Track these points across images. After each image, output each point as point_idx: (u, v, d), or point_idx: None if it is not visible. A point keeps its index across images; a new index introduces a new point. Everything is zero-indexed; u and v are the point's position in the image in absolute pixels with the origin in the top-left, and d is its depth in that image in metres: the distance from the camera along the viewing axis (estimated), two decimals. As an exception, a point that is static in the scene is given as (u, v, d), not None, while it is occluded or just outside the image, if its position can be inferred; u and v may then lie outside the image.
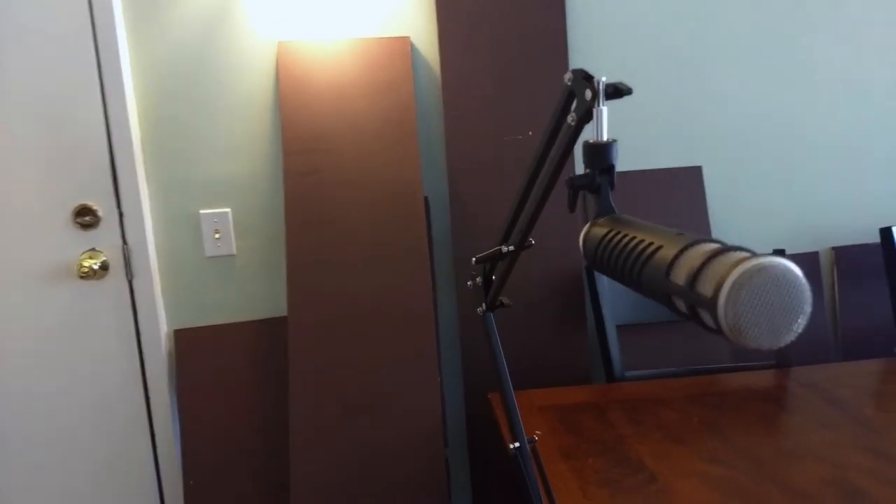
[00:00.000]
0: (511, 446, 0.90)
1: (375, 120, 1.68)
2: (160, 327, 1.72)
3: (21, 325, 1.68)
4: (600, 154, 0.64)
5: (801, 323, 0.45)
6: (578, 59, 1.81)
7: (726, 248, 0.49)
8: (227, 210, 1.75)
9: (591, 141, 0.65)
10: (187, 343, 1.74)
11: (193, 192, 1.74)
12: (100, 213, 1.66)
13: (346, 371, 1.63)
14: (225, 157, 1.73)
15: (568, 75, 0.67)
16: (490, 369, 1.76)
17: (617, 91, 0.61)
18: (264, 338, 1.77)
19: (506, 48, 1.74)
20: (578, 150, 1.79)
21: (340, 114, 1.68)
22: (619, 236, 0.59)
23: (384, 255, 1.66)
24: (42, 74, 1.59)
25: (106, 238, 1.67)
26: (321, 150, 1.67)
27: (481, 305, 0.92)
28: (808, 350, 1.91)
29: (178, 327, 1.76)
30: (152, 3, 1.65)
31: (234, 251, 1.77)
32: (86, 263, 1.64)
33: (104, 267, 1.68)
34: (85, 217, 1.65)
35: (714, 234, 1.92)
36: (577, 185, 0.65)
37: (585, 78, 0.64)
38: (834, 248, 1.93)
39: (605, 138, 0.64)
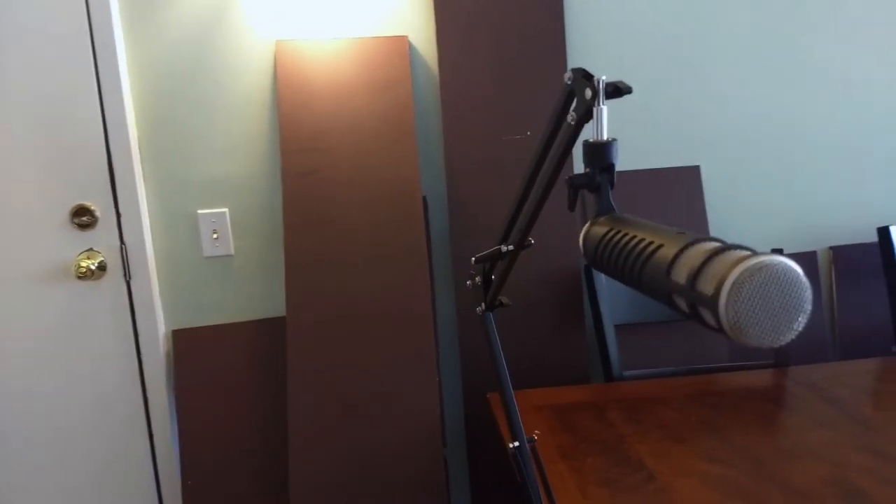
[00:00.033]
0: (510, 446, 0.90)
1: (373, 119, 1.68)
2: (158, 327, 1.72)
3: (19, 326, 1.67)
4: (600, 153, 0.64)
5: (801, 321, 0.45)
6: (577, 58, 1.81)
7: (727, 247, 0.49)
8: (225, 210, 1.75)
9: (591, 140, 0.65)
10: (185, 343, 1.74)
11: (191, 192, 1.73)
12: (97, 214, 1.66)
13: (345, 371, 1.63)
14: (223, 156, 1.73)
15: (568, 74, 0.67)
16: (489, 369, 1.76)
17: (617, 90, 0.61)
18: (262, 338, 1.77)
19: (504, 47, 1.74)
20: (577, 150, 1.80)
21: (338, 113, 1.68)
22: (620, 235, 0.59)
23: (383, 254, 1.66)
24: (39, 74, 1.59)
25: (103, 238, 1.67)
26: (319, 149, 1.67)
27: (480, 305, 0.92)
28: (806, 349, 1.92)
29: (176, 327, 1.76)
30: (150, 2, 1.65)
31: (232, 251, 1.77)
32: (83, 264, 1.63)
33: (102, 267, 1.67)
34: (82, 217, 1.65)
35: (712, 234, 1.92)
36: (577, 184, 0.65)
37: (585, 77, 0.64)
38: (832, 248, 1.94)
39: (605, 137, 0.64)
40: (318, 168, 1.66)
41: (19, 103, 1.59)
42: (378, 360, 1.63)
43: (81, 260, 1.64)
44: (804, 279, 0.45)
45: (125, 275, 1.69)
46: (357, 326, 1.64)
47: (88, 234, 1.66)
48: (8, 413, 1.70)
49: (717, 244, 0.50)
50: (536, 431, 1.33)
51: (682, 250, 0.51)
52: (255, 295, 1.79)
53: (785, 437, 1.27)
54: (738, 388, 1.49)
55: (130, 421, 1.74)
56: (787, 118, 1.90)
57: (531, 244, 0.84)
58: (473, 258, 0.90)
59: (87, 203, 1.65)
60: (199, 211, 1.74)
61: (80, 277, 1.64)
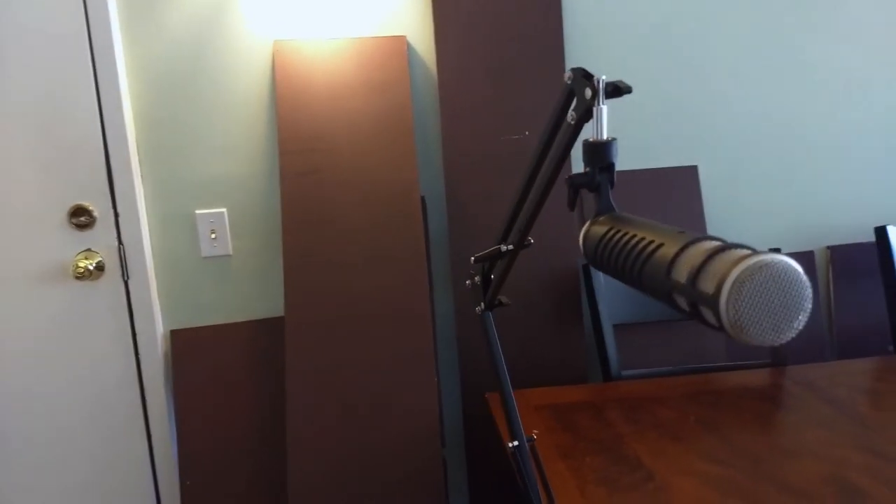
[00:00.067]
0: (510, 445, 0.90)
1: (372, 119, 1.68)
2: (156, 328, 1.72)
3: (16, 326, 1.67)
4: (600, 152, 0.64)
5: (801, 320, 0.45)
6: (575, 58, 1.81)
7: (727, 246, 0.49)
8: (223, 210, 1.75)
9: (591, 139, 0.65)
10: (183, 343, 1.74)
11: (189, 192, 1.73)
12: (95, 214, 1.65)
13: (344, 371, 1.63)
14: (221, 156, 1.73)
15: (568, 74, 0.67)
16: (487, 369, 1.76)
17: (617, 90, 0.62)
18: (260, 338, 1.77)
19: (502, 47, 1.74)
20: (576, 150, 1.80)
21: (337, 113, 1.68)
22: (620, 234, 0.59)
23: (381, 254, 1.66)
24: (37, 74, 1.58)
25: (101, 238, 1.67)
26: (318, 149, 1.67)
27: (480, 304, 0.92)
28: (803, 348, 1.92)
29: (174, 328, 1.75)
30: (147, 2, 1.65)
31: (231, 251, 1.77)
32: (81, 264, 1.63)
33: (100, 267, 1.67)
34: (80, 217, 1.64)
35: (710, 234, 1.92)
36: (577, 184, 0.65)
37: (585, 76, 0.64)
38: (829, 248, 1.94)
39: (605, 137, 0.64)
40: (317, 168, 1.66)
41: (17, 103, 1.59)
42: (377, 361, 1.63)
43: (79, 260, 1.64)
44: (804, 278, 0.45)
45: (123, 275, 1.69)
46: (356, 326, 1.64)
47: (86, 234, 1.66)
48: (6, 413, 1.70)
49: (718, 243, 0.50)
50: (535, 431, 1.33)
51: (682, 249, 0.51)
52: (253, 295, 1.79)
53: (783, 436, 1.27)
54: (735, 387, 1.49)
55: (128, 421, 1.74)
56: (784, 118, 1.90)
57: (531, 244, 0.84)
58: (473, 258, 0.90)
59: (85, 203, 1.65)
60: (198, 211, 1.74)
61: (78, 278, 1.64)
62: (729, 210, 1.92)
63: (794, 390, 1.45)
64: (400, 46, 1.71)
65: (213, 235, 1.75)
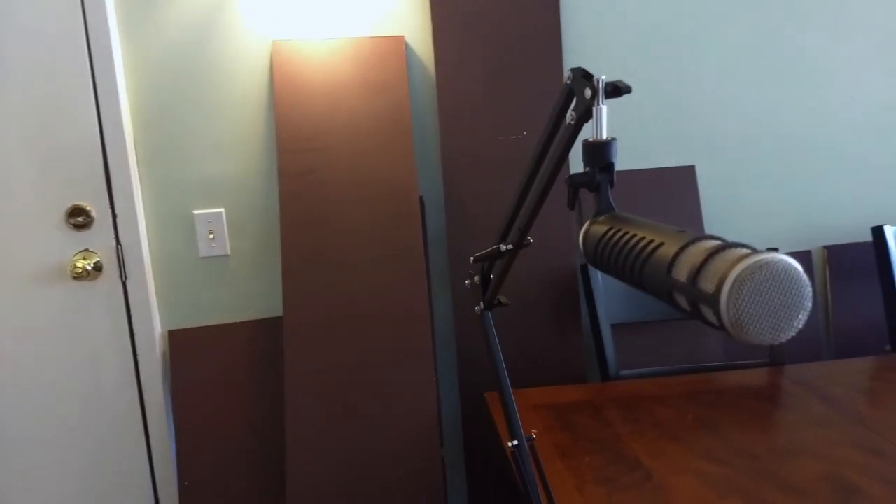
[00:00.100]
0: (509, 444, 0.90)
1: (370, 119, 1.68)
2: (154, 328, 1.72)
3: (14, 327, 1.67)
4: (600, 152, 0.65)
5: (801, 318, 0.46)
6: (573, 58, 1.81)
7: (727, 245, 0.49)
8: (221, 210, 1.75)
9: (591, 139, 0.65)
10: (181, 344, 1.74)
11: (187, 192, 1.73)
12: (93, 214, 1.65)
13: (342, 371, 1.63)
14: (219, 156, 1.73)
15: (567, 74, 0.67)
16: (486, 369, 1.76)
17: (616, 90, 0.62)
18: (258, 338, 1.77)
19: (501, 47, 1.74)
20: (575, 150, 1.80)
21: (335, 113, 1.68)
22: (620, 234, 0.59)
23: (380, 254, 1.66)
24: (35, 74, 1.58)
25: (99, 239, 1.66)
26: (316, 149, 1.67)
27: (479, 304, 0.92)
28: (800, 348, 1.93)
29: (172, 328, 1.75)
30: (145, 2, 1.65)
31: (229, 251, 1.77)
32: (79, 264, 1.63)
33: (98, 268, 1.67)
34: (78, 217, 1.64)
35: (708, 233, 1.92)
36: (577, 183, 0.65)
37: (585, 76, 0.64)
38: (826, 247, 1.95)
39: (604, 136, 0.64)
40: (315, 168, 1.66)
41: (15, 103, 1.59)
42: (376, 360, 1.63)
43: (77, 260, 1.64)
44: (804, 277, 0.45)
45: (121, 275, 1.68)
46: (354, 326, 1.64)
47: (84, 234, 1.66)
48: (4, 413, 1.69)
49: (718, 242, 0.50)
50: (534, 430, 1.34)
51: (682, 248, 0.51)
52: (252, 295, 1.79)
53: (780, 435, 1.27)
54: (733, 386, 1.49)
55: (126, 421, 1.74)
56: (782, 118, 1.91)
57: (530, 243, 0.84)
58: (472, 257, 0.90)
59: (83, 203, 1.64)
60: (196, 211, 1.74)
61: (75, 278, 1.63)
62: (726, 210, 1.93)
63: (792, 390, 1.46)
64: (398, 46, 1.71)
65: (211, 235, 1.75)
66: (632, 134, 1.87)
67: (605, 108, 0.63)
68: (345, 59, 1.69)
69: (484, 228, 1.76)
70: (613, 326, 1.77)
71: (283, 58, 1.68)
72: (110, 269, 1.68)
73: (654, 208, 1.86)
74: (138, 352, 1.72)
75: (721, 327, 0.46)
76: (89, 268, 1.64)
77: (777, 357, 1.66)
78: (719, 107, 1.88)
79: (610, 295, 1.74)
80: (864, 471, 1.13)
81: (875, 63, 1.92)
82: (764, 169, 1.92)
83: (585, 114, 0.65)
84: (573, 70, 0.66)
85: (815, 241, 1.97)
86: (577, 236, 1.87)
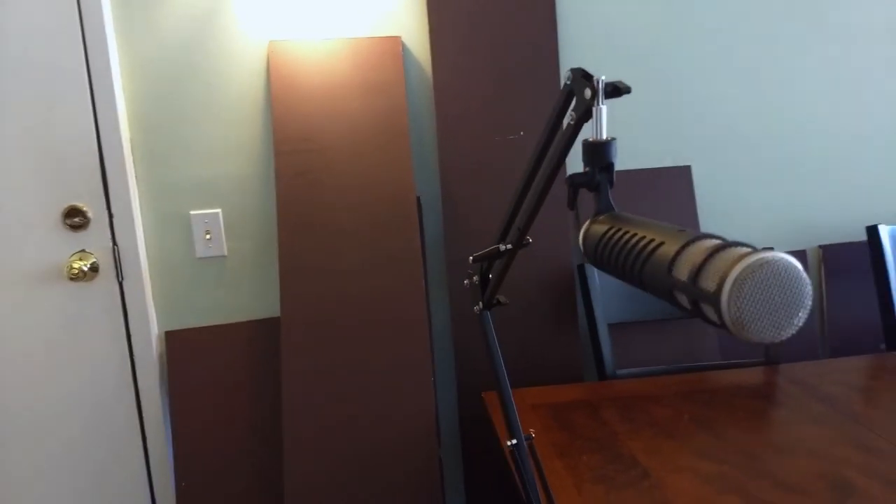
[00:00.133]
0: (508, 443, 0.90)
1: (367, 120, 1.68)
2: (151, 329, 1.71)
3: (10, 328, 1.66)
4: (600, 152, 0.65)
5: (801, 316, 0.46)
6: (569, 58, 1.82)
7: (728, 244, 0.50)
8: (218, 211, 1.75)
9: (591, 139, 0.66)
10: (178, 344, 1.73)
11: (184, 192, 1.73)
12: (89, 215, 1.65)
13: (340, 372, 1.63)
14: (215, 157, 1.73)
15: (567, 74, 0.67)
16: (483, 370, 1.77)
17: (616, 90, 0.62)
18: (256, 339, 1.77)
19: (497, 48, 1.75)
20: (573, 151, 1.80)
21: (332, 114, 1.68)
22: (620, 233, 0.60)
23: (377, 256, 1.66)
24: (31, 75, 1.58)
25: (96, 239, 1.66)
26: (312, 150, 1.67)
27: (478, 304, 0.93)
28: (796, 347, 1.94)
29: (168, 329, 1.75)
30: (142, 2, 1.64)
31: (225, 252, 1.76)
32: (75, 265, 1.63)
33: (94, 268, 1.67)
34: (74, 218, 1.64)
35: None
36: (577, 183, 0.66)
37: (585, 77, 0.65)
38: (821, 247, 1.96)
39: (604, 136, 0.65)
40: (312, 169, 1.66)
41: (10, 104, 1.58)
42: (373, 362, 1.64)
43: (74, 261, 1.63)
44: (804, 275, 0.46)
45: (118, 276, 1.68)
46: (352, 328, 1.64)
47: (81, 235, 1.65)
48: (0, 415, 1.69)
49: (718, 241, 0.51)
50: (532, 430, 1.34)
51: (683, 247, 0.52)
52: (248, 296, 1.79)
53: (776, 433, 1.28)
54: (729, 385, 1.50)
55: (123, 423, 1.73)
56: (777, 118, 1.92)
57: (529, 243, 0.85)
58: (471, 257, 0.90)
59: (80, 204, 1.64)
60: (192, 212, 1.74)
61: (72, 279, 1.63)
62: (722, 210, 1.94)
63: (788, 388, 1.46)
64: (395, 47, 1.71)
65: (207, 236, 1.74)
66: (627, 134, 1.88)
67: (604, 109, 0.63)
68: (341, 60, 1.69)
69: (481, 229, 1.76)
70: (610, 326, 1.78)
71: (280, 58, 1.68)
72: (107, 269, 1.68)
73: (650, 208, 1.87)
74: (135, 353, 1.71)
75: (722, 325, 0.47)
76: (86, 269, 1.64)
77: (773, 356, 1.67)
78: (715, 107, 1.89)
79: (607, 295, 1.75)
80: (861, 469, 1.14)
81: (870, 63, 1.93)
82: (759, 169, 1.93)
83: (585, 114, 0.65)
84: (573, 70, 0.66)
85: (811, 241, 1.98)
86: (575, 237, 1.88)
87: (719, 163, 1.91)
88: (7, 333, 1.66)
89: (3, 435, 1.70)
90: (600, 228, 0.63)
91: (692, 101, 1.88)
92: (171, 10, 1.66)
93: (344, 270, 1.65)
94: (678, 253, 0.52)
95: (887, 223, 1.95)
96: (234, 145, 1.73)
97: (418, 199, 1.78)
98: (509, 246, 0.83)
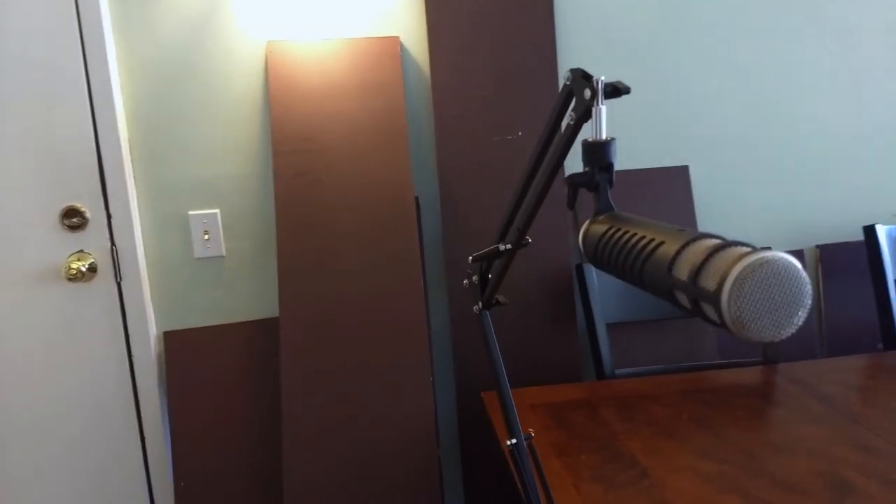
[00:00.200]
0: (508, 443, 0.91)
1: (365, 120, 1.68)
2: (149, 329, 1.71)
3: (8, 328, 1.66)
4: (599, 152, 0.65)
5: (801, 316, 0.46)
6: (566, 58, 1.82)
7: (728, 244, 0.50)
8: (216, 211, 1.74)
9: (591, 139, 0.66)
10: (177, 345, 1.73)
11: (182, 193, 1.73)
12: (88, 215, 1.65)
13: (339, 373, 1.63)
14: (214, 157, 1.73)
15: (567, 75, 0.67)
16: (482, 369, 1.77)
17: (616, 90, 0.62)
18: (254, 339, 1.77)
19: (495, 48, 1.75)
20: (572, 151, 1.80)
21: (330, 114, 1.68)
22: (620, 233, 0.60)
23: (376, 256, 1.66)
24: (29, 75, 1.58)
25: (94, 240, 1.66)
26: (311, 150, 1.67)
27: (477, 304, 0.93)
28: (794, 346, 1.94)
29: (167, 329, 1.75)
30: (139, 3, 1.64)
31: (224, 252, 1.76)
32: (74, 265, 1.62)
33: (92, 269, 1.66)
34: (73, 219, 1.64)
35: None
36: (576, 183, 0.66)
37: (584, 77, 0.65)
38: (819, 246, 1.96)
39: (604, 137, 0.65)
40: (310, 169, 1.67)
41: (9, 104, 1.58)
42: (372, 362, 1.64)
43: (72, 262, 1.63)
44: (804, 275, 0.46)
45: (116, 276, 1.68)
46: (351, 328, 1.64)
47: (79, 235, 1.65)
48: (-3, 416, 1.69)
49: (718, 241, 0.51)
50: (531, 430, 1.34)
51: (683, 247, 0.52)
52: (247, 296, 1.79)
53: (775, 432, 1.28)
54: (727, 384, 1.50)
55: (122, 423, 1.73)
56: (775, 118, 1.92)
57: (528, 243, 0.85)
58: (471, 257, 0.90)
59: (78, 204, 1.64)
60: (191, 212, 1.73)
61: (70, 279, 1.63)
62: (720, 209, 1.94)
63: (786, 387, 1.47)
64: (393, 47, 1.71)
65: (206, 237, 1.74)
66: (625, 134, 1.88)
67: (604, 109, 0.64)
68: (339, 60, 1.69)
69: (480, 229, 1.76)
70: (609, 326, 1.78)
71: (278, 58, 1.68)
72: (105, 270, 1.67)
73: (648, 208, 1.87)
74: (133, 353, 1.71)
75: (722, 325, 0.47)
76: (84, 269, 1.64)
77: (771, 355, 1.67)
78: (712, 107, 1.89)
79: (605, 294, 1.75)
80: (859, 467, 1.14)
81: (867, 63, 1.93)
82: (757, 169, 1.94)
83: (585, 114, 0.65)
84: (572, 71, 0.67)
85: (808, 241, 1.98)
86: (573, 236, 1.88)
87: (717, 163, 1.92)
88: (5, 334, 1.66)
89: (2, 435, 1.69)
90: (600, 228, 0.64)
91: (689, 101, 1.88)
92: (170, 10, 1.65)
93: (343, 270, 1.65)
94: (678, 252, 0.52)
95: (884, 223, 1.96)
96: (232, 145, 1.73)
97: (416, 199, 1.78)
98: (509, 246, 0.83)
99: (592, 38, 1.82)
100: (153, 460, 1.75)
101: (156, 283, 1.75)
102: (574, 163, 1.80)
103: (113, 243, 1.67)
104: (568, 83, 0.68)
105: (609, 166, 0.66)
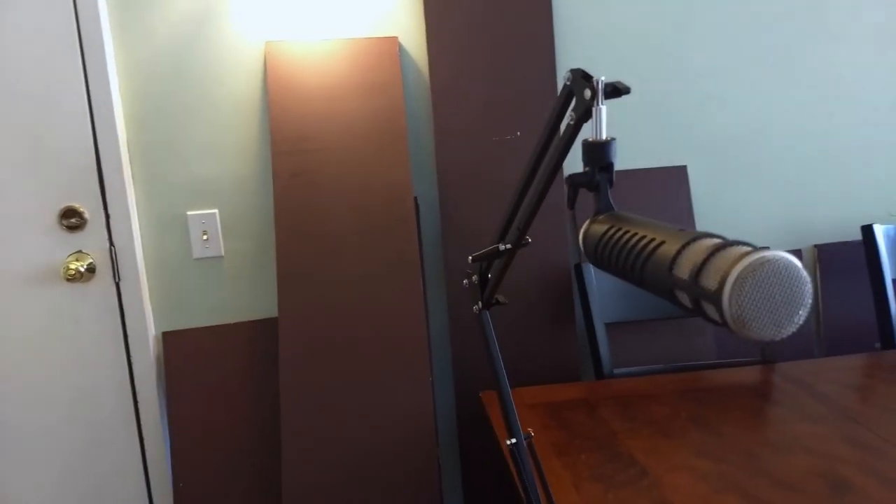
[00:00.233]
0: (508, 442, 0.91)
1: (364, 121, 1.69)
2: (148, 330, 1.71)
3: (6, 329, 1.66)
4: (600, 152, 0.65)
5: (802, 314, 0.46)
6: (565, 58, 1.82)
7: (728, 243, 0.50)
8: (215, 211, 1.74)
9: (591, 139, 0.66)
10: (175, 345, 1.73)
11: (181, 193, 1.73)
12: (86, 215, 1.65)
13: (338, 374, 1.63)
14: (212, 158, 1.73)
15: (567, 75, 0.68)
16: (481, 370, 1.77)
17: (616, 90, 0.63)
18: (253, 339, 1.77)
19: (494, 48, 1.75)
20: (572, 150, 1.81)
21: (329, 114, 1.68)
22: (621, 232, 0.60)
23: (375, 256, 1.66)
24: (27, 75, 1.57)
25: (92, 240, 1.66)
26: (310, 150, 1.67)
27: (477, 303, 0.93)
28: (792, 346, 1.94)
29: (166, 329, 1.75)
30: (138, 3, 1.64)
31: (222, 252, 1.76)
32: (72, 266, 1.62)
33: (91, 269, 1.66)
34: (71, 219, 1.64)
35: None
36: (576, 183, 0.66)
37: (584, 77, 0.65)
38: (817, 246, 1.97)
39: (604, 136, 0.65)
40: (309, 169, 1.67)
41: (7, 104, 1.58)
42: (371, 363, 1.64)
43: (70, 262, 1.63)
44: (804, 274, 0.46)
45: (114, 277, 1.68)
46: (350, 328, 1.64)
47: (77, 235, 1.65)
48: (-4, 417, 1.69)
49: (719, 240, 0.51)
50: (530, 429, 1.34)
51: (684, 246, 0.52)
52: (246, 296, 1.79)
53: (773, 431, 1.29)
54: (726, 384, 1.51)
55: (120, 423, 1.73)
56: (772, 118, 1.93)
57: (528, 243, 0.85)
58: (471, 257, 0.90)
59: (76, 205, 1.64)
60: (189, 212, 1.73)
61: (68, 280, 1.63)
62: (718, 210, 1.94)
63: (784, 387, 1.47)
64: (391, 47, 1.71)
65: (204, 237, 1.74)
66: (623, 134, 1.88)
67: (604, 109, 0.64)
68: (338, 60, 1.69)
69: (479, 229, 1.76)
70: (607, 325, 1.78)
71: (277, 59, 1.68)
72: (103, 270, 1.67)
73: (646, 208, 1.87)
74: (132, 354, 1.71)
75: (723, 324, 0.47)
76: (82, 269, 1.64)
77: (769, 355, 1.67)
78: (710, 107, 1.90)
79: (604, 294, 1.75)
80: (857, 466, 1.15)
81: (864, 62, 1.94)
82: (755, 169, 1.94)
83: (585, 114, 0.66)
84: (573, 71, 0.67)
85: (806, 240, 1.99)
86: (572, 236, 1.88)
87: (715, 163, 1.92)
88: (3, 334, 1.66)
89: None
90: (600, 228, 0.64)
91: (688, 101, 1.89)
92: (168, 11, 1.65)
93: (342, 271, 1.65)
94: (679, 252, 0.52)
95: (882, 223, 1.97)
96: (231, 146, 1.73)
97: (415, 199, 1.78)
98: (508, 245, 0.83)
99: (591, 38, 1.83)
100: (152, 460, 1.75)
101: (154, 283, 1.75)
102: (574, 163, 1.80)
103: (111, 243, 1.67)
104: (568, 83, 0.68)
105: (609, 166, 0.66)
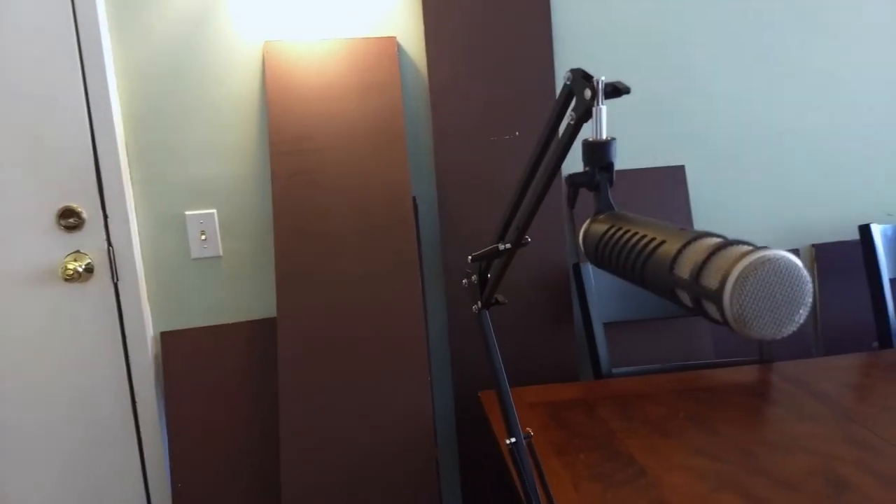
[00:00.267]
0: (507, 442, 0.91)
1: (363, 121, 1.69)
2: (146, 330, 1.71)
3: (4, 329, 1.66)
4: (600, 152, 0.65)
5: (802, 313, 0.47)
6: (564, 58, 1.82)
7: (729, 243, 0.50)
8: (213, 211, 1.74)
9: (591, 139, 0.66)
10: (174, 345, 1.73)
11: (179, 193, 1.73)
12: (84, 215, 1.64)
13: (337, 375, 1.63)
14: (211, 157, 1.72)
15: (567, 75, 0.68)
16: (480, 371, 1.77)
17: (616, 90, 0.63)
18: (252, 339, 1.76)
19: (492, 48, 1.75)
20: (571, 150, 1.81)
21: (328, 114, 1.68)
22: (621, 232, 0.60)
23: (373, 256, 1.66)
24: (25, 75, 1.57)
25: (90, 240, 1.66)
26: (309, 150, 1.67)
27: (477, 303, 0.93)
28: (789, 345, 1.95)
29: (164, 330, 1.75)
30: (137, 3, 1.64)
31: (221, 252, 1.76)
32: (70, 266, 1.62)
33: (89, 269, 1.66)
34: (69, 219, 1.63)
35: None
36: (577, 183, 0.66)
37: (584, 77, 0.65)
38: (814, 246, 1.97)
39: (604, 136, 0.65)
40: (308, 169, 1.67)
41: (4, 104, 1.58)
42: (370, 363, 1.64)
43: (68, 262, 1.63)
44: (805, 273, 0.46)
45: (112, 277, 1.68)
46: (348, 329, 1.64)
47: (75, 235, 1.65)
48: (-7, 417, 1.68)
49: (719, 240, 0.51)
50: (529, 429, 1.34)
51: (684, 246, 0.52)
52: (244, 296, 1.79)
53: (771, 430, 1.29)
54: (724, 383, 1.51)
55: (119, 423, 1.73)
56: (770, 118, 1.93)
57: (528, 242, 0.85)
58: (470, 256, 0.90)
59: (74, 205, 1.64)
60: (187, 212, 1.73)
61: (66, 280, 1.62)
62: (716, 209, 1.95)
63: (782, 386, 1.48)
64: (390, 47, 1.71)
65: (203, 237, 1.74)
66: (621, 134, 1.88)
67: (604, 109, 0.64)
68: (337, 61, 1.69)
69: (478, 228, 1.77)
70: (606, 325, 1.78)
71: (275, 58, 1.68)
72: (101, 270, 1.67)
73: (644, 208, 1.87)
74: (130, 354, 1.71)
75: (724, 323, 0.47)
76: (80, 269, 1.63)
77: (767, 354, 1.68)
78: (708, 107, 1.90)
79: (602, 294, 1.76)
80: (855, 465, 1.15)
81: (862, 62, 1.94)
82: (753, 168, 1.94)
83: (585, 114, 0.66)
84: (573, 71, 0.67)
85: (804, 240, 1.99)
86: (569, 236, 1.88)
87: (713, 162, 1.92)
88: (1, 334, 1.66)
89: (-3, 437, 1.69)
90: (600, 227, 0.64)
91: (686, 101, 1.89)
92: (166, 10, 1.65)
93: (340, 271, 1.65)
94: (680, 251, 0.52)
95: (879, 222, 1.97)
96: (229, 146, 1.73)
97: (414, 199, 1.78)
98: (508, 245, 0.83)
99: (589, 38, 1.83)
100: (150, 461, 1.75)
101: (152, 283, 1.74)
102: (574, 163, 1.80)
103: (109, 244, 1.66)
104: (568, 83, 0.68)
105: (609, 166, 0.66)
